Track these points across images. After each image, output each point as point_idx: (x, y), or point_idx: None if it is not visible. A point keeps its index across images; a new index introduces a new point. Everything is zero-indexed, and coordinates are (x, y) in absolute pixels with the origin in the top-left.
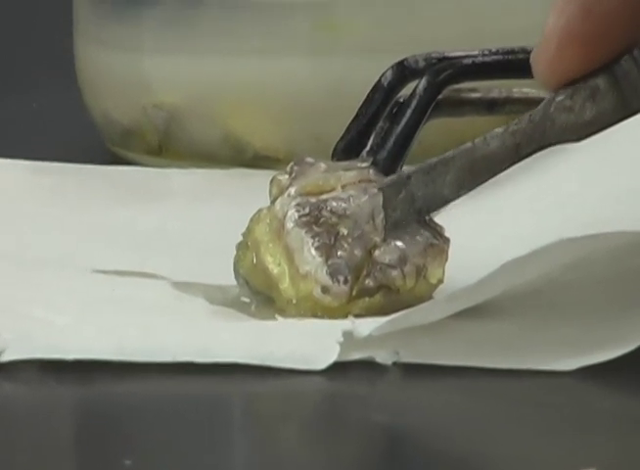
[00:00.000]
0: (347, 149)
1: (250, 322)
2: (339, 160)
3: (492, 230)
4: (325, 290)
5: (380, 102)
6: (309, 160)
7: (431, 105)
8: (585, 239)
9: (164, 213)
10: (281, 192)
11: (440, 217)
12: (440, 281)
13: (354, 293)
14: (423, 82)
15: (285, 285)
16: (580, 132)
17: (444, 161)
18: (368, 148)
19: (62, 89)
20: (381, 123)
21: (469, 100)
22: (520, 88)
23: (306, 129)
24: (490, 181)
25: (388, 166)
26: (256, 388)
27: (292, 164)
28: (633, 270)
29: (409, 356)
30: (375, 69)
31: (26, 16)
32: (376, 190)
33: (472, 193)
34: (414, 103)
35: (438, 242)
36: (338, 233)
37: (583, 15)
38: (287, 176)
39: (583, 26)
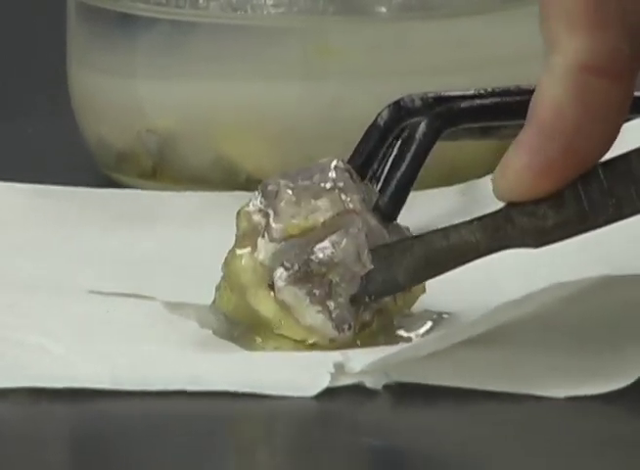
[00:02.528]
0: None
1: (240, 349)
2: None
3: None
4: (332, 341)
5: (376, 141)
6: (272, 187)
7: (430, 149)
8: (576, 284)
9: (160, 236)
10: (253, 229)
11: None
12: (423, 291)
13: (356, 330)
14: (422, 127)
15: (282, 330)
16: (539, 238)
17: (403, 248)
18: (378, 188)
19: (56, 114)
20: (382, 165)
21: None
22: None
23: (299, 152)
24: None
25: (390, 212)
26: (247, 409)
27: (256, 193)
28: (632, 302)
29: (400, 377)
30: (367, 92)
31: (21, 41)
32: (356, 230)
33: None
34: (414, 148)
35: None
36: (331, 282)
37: (567, 153)
38: (258, 214)
39: (565, 163)
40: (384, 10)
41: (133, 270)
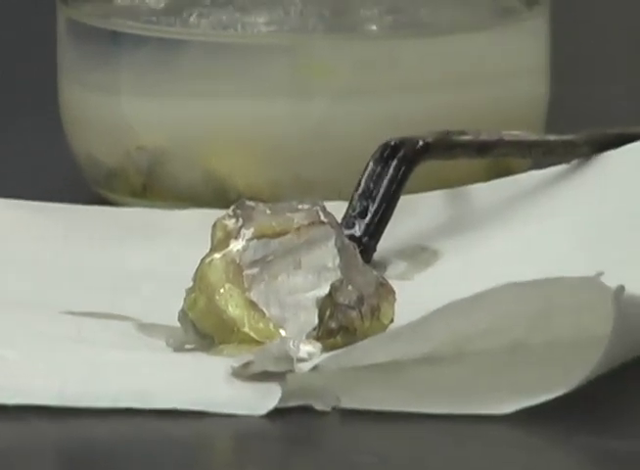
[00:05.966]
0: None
1: (196, 367)
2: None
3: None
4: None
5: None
6: (250, 203)
7: (406, 179)
8: (529, 284)
9: (151, 254)
10: (227, 236)
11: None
12: (391, 321)
13: (319, 334)
14: (398, 157)
15: (247, 328)
16: None
17: None
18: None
19: (46, 131)
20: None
21: (459, 143)
22: (509, 131)
23: (289, 170)
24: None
25: (368, 244)
26: (208, 430)
27: (233, 207)
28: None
29: (349, 402)
30: (357, 110)
31: (11, 57)
32: (330, 239)
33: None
34: (388, 179)
35: (386, 282)
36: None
37: None
38: (233, 220)
39: None
40: (374, 28)
41: (115, 289)
